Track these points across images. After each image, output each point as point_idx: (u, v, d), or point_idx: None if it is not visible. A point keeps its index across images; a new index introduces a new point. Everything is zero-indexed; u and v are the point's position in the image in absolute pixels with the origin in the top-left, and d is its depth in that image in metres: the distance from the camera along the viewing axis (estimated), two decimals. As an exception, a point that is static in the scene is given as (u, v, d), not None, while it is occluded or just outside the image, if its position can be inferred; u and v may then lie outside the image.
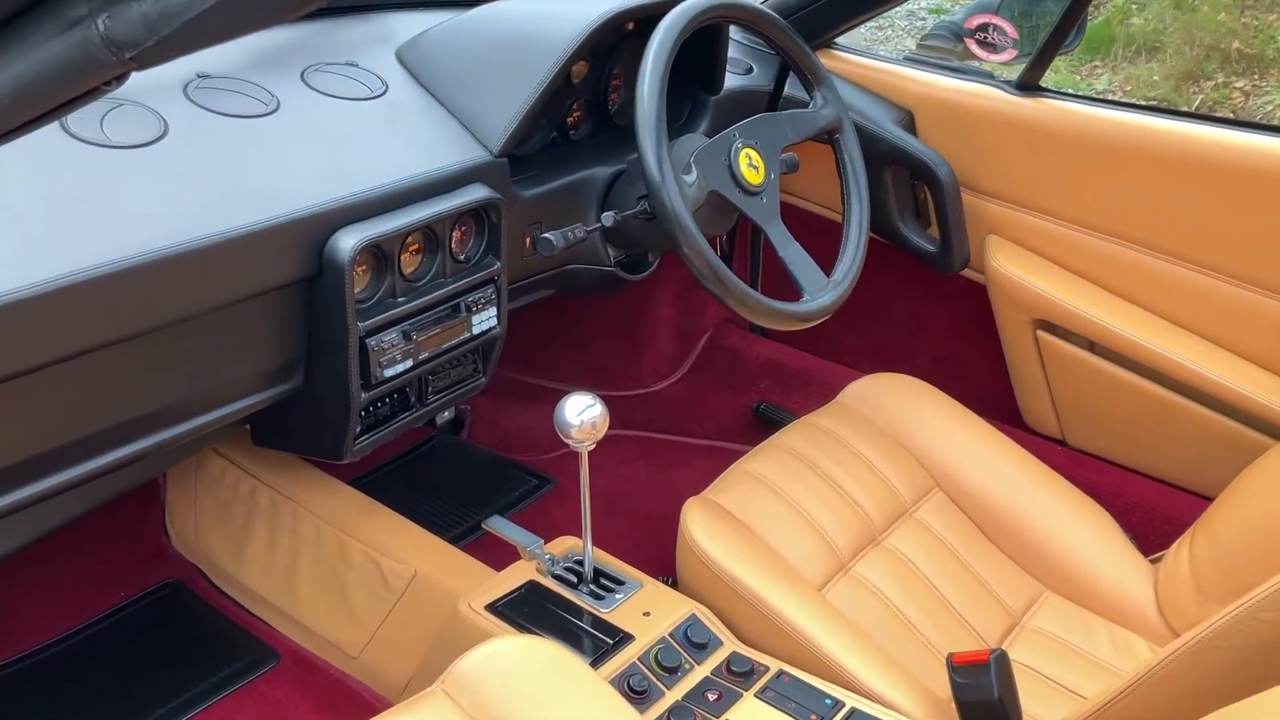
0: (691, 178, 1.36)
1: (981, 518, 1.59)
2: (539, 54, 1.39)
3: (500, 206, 1.38)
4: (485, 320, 1.41)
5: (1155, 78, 5.06)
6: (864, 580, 1.45)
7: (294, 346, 1.27)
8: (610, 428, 1.27)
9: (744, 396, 2.02)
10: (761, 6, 1.50)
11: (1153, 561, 1.58)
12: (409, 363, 1.33)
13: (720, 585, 1.38)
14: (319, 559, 1.53)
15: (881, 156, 1.74)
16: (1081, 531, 1.56)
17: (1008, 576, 1.54)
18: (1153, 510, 1.67)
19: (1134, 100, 4.43)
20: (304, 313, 1.25)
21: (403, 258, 1.30)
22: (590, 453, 1.26)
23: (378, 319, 1.27)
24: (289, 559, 1.56)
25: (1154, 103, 4.63)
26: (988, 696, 1.20)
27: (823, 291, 1.45)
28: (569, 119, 1.61)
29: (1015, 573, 1.56)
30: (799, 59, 1.53)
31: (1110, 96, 4.97)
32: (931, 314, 1.89)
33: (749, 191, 1.42)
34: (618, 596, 1.34)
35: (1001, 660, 1.20)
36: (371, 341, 1.27)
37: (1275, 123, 4.43)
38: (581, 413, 1.23)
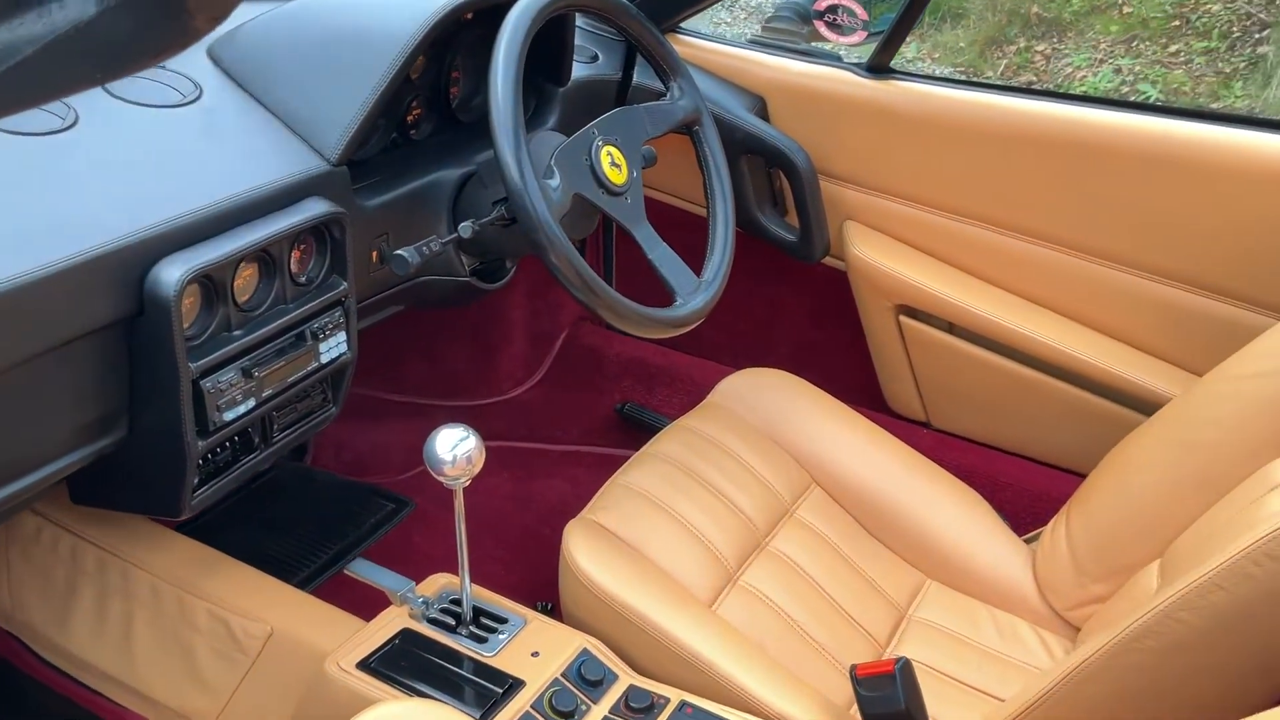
0: (555, 182, 1.26)
1: (859, 510, 1.57)
2: (376, 49, 1.26)
3: (343, 221, 1.24)
4: (334, 347, 1.28)
5: (961, 44, 5.22)
6: (753, 590, 1.40)
7: (115, 395, 1.11)
8: None
9: (606, 397, 1.94)
10: (611, -7, 1.41)
11: (1028, 541, 1.59)
12: (251, 402, 1.18)
13: (610, 613, 1.30)
14: (158, 622, 1.37)
15: (737, 145, 1.68)
16: (956, 516, 1.56)
17: (890, 569, 1.53)
18: (1023, 489, 1.69)
19: (986, 80, 4.55)
20: (125, 357, 1.09)
21: (236, 285, 1.15)
22: (440, 484, 1.16)
23: (212, 357, 1.13)
24: (123, 623, 1.39)
25: (1003, 81, 4.76)
26: (895, 708, 1.16)
27: (695, 294, 1.38)
28: (408, 118, 1.48)
29: (896, 564, 1.54)
30: (654, 49, 1.45)
31: (920, 65, 5.11)
32: (793, 304, 1.85)
33: (613, 192, 1.34)
34: (501, 637, 1.24)
35: (906, 670, 1.17)
36: (207, 383, 1.12)
37: (1121, 97, 4.62)
38: (454, 447, 1.12)
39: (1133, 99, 4.60)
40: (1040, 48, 5.16)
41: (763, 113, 1.73)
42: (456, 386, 1.96)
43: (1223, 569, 0.94)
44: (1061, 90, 4.69)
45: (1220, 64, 4.75)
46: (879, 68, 1.65)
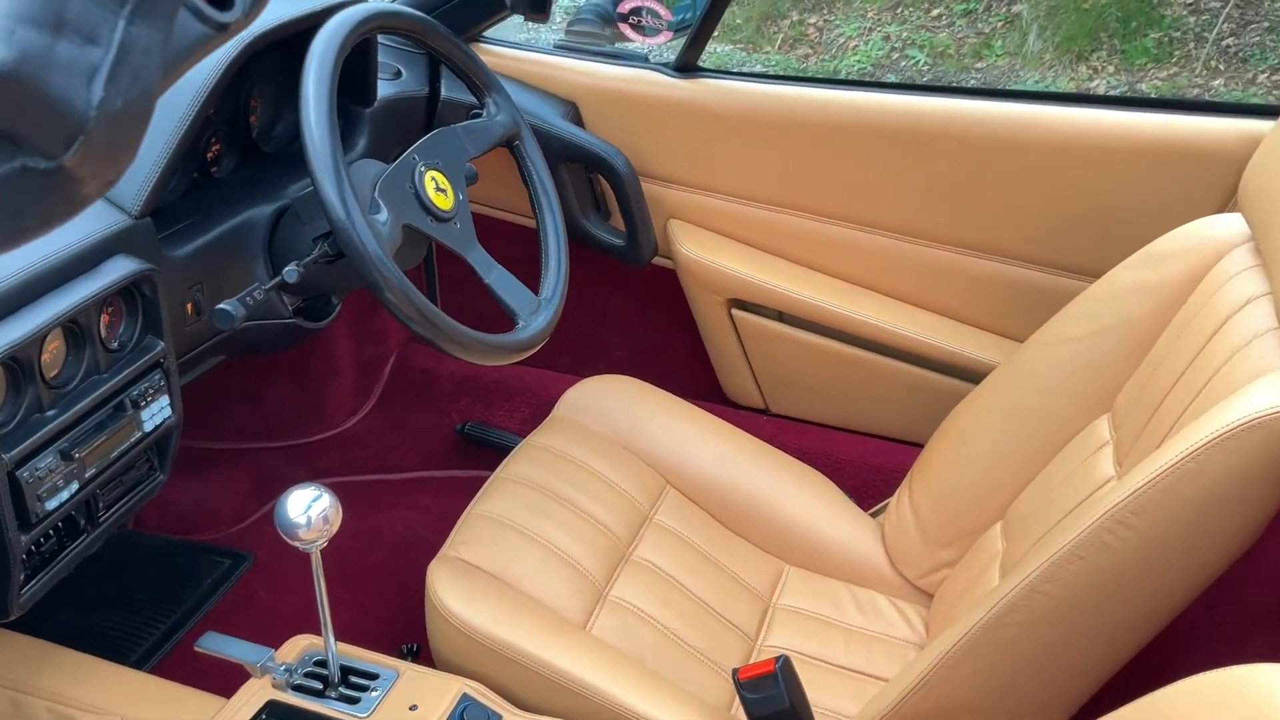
0: (383, 216, 1.21)
1: (712, 505, 1.59)
2: (175, 89, 1.17)
3: (153, 278, 1.15)
4: (157, 413, 1.19)
5: (738, 21, 5.34)
6: (624, 604, 1.40)
7: (-84, 497, 1.00)
8: (303, 478, 1.10)
9: (445, 418, 1.89)
10: (419, 12, 1.35)
11: (874, 515, 1.65)
12: (74, 486, 1.09)
13: (485, 652, 1.27)
14: (-11, 731, 1.25)
15: (555, 154, 1.65)
16: (804, 499, 1.60)
17: (749, 560, 1.55)
18: (864, 465, 1.75)
19: (785, 72, 4.65)
20: (-77, 456, 0.98)
21: (43, 361, 1.05)
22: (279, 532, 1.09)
23: (26, 444, 1.03)
24: (-55, 738, 1.26)
25: (811, 74, 4.87)
26: (780, 706, 1.19)
27: (536, 314, 1.36)
28: (208, 155, 1.39)
29: (755, 554, 1.57)
30: (467, 66, 1.41)
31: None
32: (625, 307, 1.85)
33: (441, 218, 1.30)
34: (375, 694, 1.19)
35: (786, 668, 1.19)
36: (23, 473, 1.02)
37: (924, 82, 4.78)
38: (308, 509, 1.06)
39: (939, 83, 4.81)
40: (813, 20, 5.33)
41: (576, 118, 1.71)
42: (284, 426, 1.87)
43: (1080, 540, 0.99)
44: (871, 79, 4.85)
45: (980, 24, 5.03)
46: (687, 66, 1.66)
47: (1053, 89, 4.51)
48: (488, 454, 1.85)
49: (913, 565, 1.52)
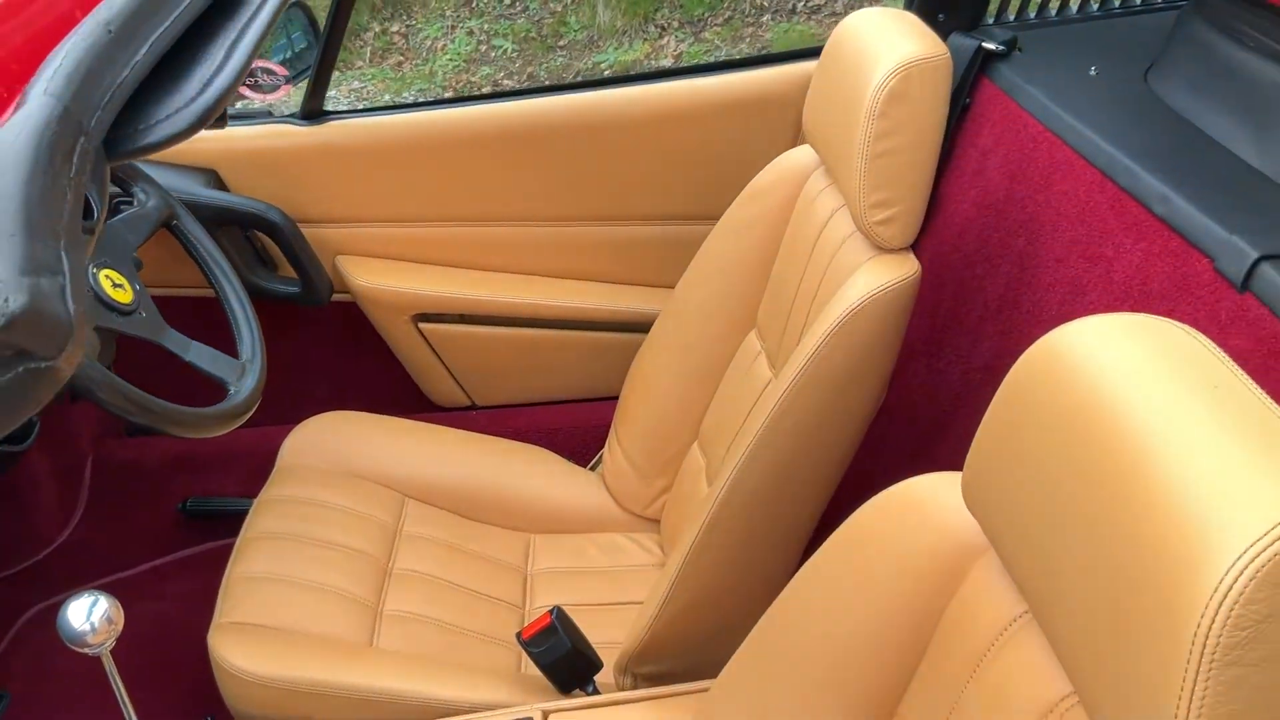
0: None
1: (451, 503, 1.72)
2: None
3: None
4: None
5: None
6: (399, 613, 1.51)
7: None
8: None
9: (165, 502, 1.88)
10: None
11: (593, 468, 1.85)
12: None
13: (284, 695, 1.34)
14: None
15: (210, 222, 1.70)
16: (529, 473, 1.77)
17: (498, 541, 1.70)
18: (574, 428, 1.94)
19: (406, 100, 4.67)
20: None
21: None
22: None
23: None
24: None
25: (420, 99, 4.92)
26: (564, 650, 1.36)
27: (244, 377, 1.42)
28: None
29: (501, 534, 1.72)
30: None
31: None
32: (316, 347, 1.92)
33: (126, 312, 1.33)
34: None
35: (561, 616, 1.36)
36: None
37: (532, 85, 4.93)
38: (89, 615, 1.10)
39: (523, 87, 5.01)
40: (395, 28, 5.42)
41: (219, 184, 1.76)
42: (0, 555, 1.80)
43: (759, 435, 1.23)
44: (487, 93, 4.98)
45: (552, 4, 5.33)
46: (314, 113, 1.76)
47: (632, 51, 4.89)
48: (217, 525, 1.87)
49: (636, 500, 1.73)
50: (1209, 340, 0.65)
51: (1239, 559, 0.51)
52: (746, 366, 1.55)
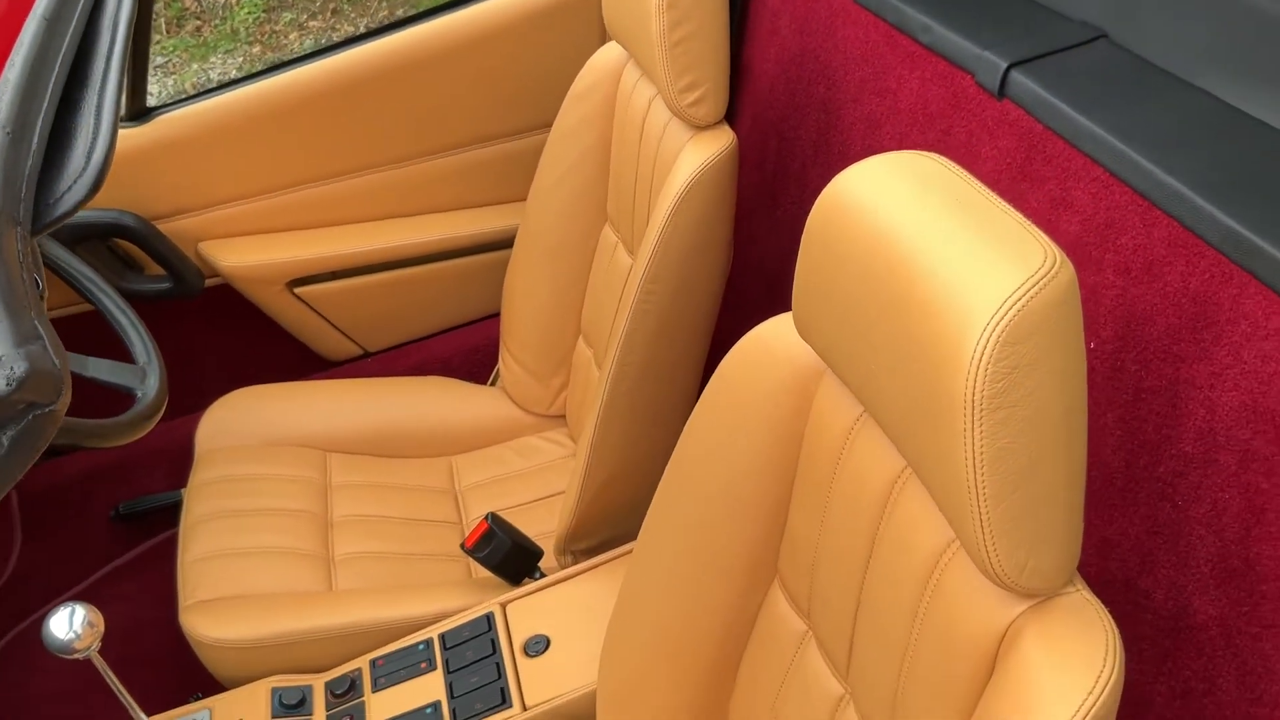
0: None
1: (369, 447, 1.82)
2: None
3: None
4: None
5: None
6: (349, 555, 1.62)
7: None
8: None
9: (97, 512, 1.94)
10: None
11: (493, 384, 1.97)
12: None
13: (263, 653, 1.46)
14: None
15: (69, 241, 1.73)
16: (433, 402, 1.88)
17: (422, 471, 1.82)
18: (465, 352, 2.06)
19: (227, 80, 4.54)
20: None
21: None
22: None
23: None
24: None
25: (209, 45, 4.77)
26: (506, 549, 1.50)
27: (147, 378, 1.49)
28: None
29: (423, 464, 1.84)
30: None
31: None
32: (204, 335, 1.98)
33: None
34: (201, 731, 1.37)
35: (496, 519, 1.50)
36: None
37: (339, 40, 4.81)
38: (71, 624, 1.19)
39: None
40: None
41: (64, 201, 1.78)
42: (-54, 606, 1.85)
43: (630, 319, 1.37)
44: (300, 55, 4.87)
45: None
46: (140, 113, 1.79)
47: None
48: (154, 522, 1.95)
49: (538, 402, 1.86)
50: (955, 164, 0.79)
51: (984, 330, 0.66)
52: (608, 257, 1.67)
